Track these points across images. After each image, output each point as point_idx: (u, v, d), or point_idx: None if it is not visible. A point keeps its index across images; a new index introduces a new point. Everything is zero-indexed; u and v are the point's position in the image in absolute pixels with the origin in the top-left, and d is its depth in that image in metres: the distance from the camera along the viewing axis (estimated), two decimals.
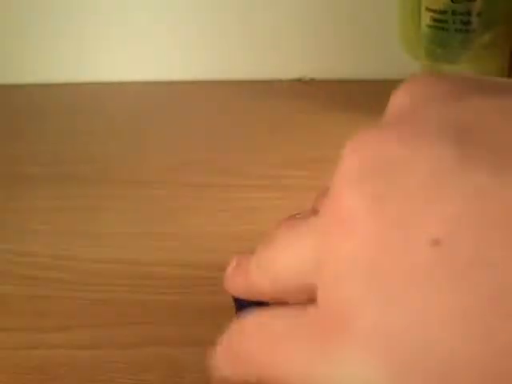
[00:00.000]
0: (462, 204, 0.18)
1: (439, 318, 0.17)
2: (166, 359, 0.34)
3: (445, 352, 0.17)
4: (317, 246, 0.22)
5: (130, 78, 0.71)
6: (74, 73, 0.72)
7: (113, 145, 0.60)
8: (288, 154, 0.56)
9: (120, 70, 0.71)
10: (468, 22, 0.56)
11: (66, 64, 0.72)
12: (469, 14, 0.56)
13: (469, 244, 0.17)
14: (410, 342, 0.18)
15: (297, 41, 0.70)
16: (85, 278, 0.41)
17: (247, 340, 0.23)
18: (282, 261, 0.24)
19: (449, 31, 0.57)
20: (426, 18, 0.58)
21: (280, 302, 0.23)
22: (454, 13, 0.56)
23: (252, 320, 0.24)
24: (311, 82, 0.70)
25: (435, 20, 0.57)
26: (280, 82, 0.70)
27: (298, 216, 0.27)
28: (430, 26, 0.58)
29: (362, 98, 0.66)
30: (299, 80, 0.70)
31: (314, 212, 0.25)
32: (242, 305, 0.27)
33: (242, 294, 0.27)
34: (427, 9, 0.57)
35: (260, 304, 0.25)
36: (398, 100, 0.25)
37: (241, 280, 0.27)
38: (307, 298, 0.21)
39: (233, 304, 0.28)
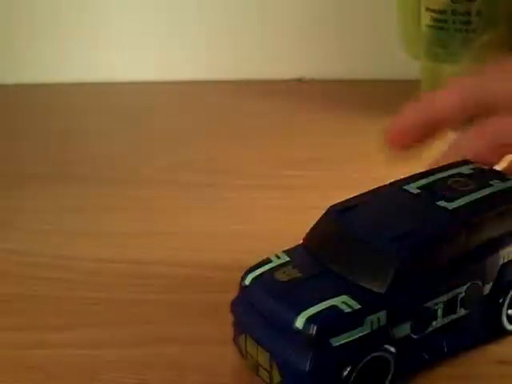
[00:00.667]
0: None
1: None
2: (166, 359, 0.34)
3: None
4: None
5: (129, 78, 0.71)
6: (74, 73, 0.72)
7: (113, 145, 0.60)
8: (288, 154, 0.56)
9: (120, 70, 0.72)
10: (468, 22, 0.56)
11: (67, 64, 0.72)
12: (468, 13, 0.56)
13: None
14: None
15: (297, 41, 0.70)
16: (85, 278, 0.41)
17: None
18: None
19: (448, 31, 0.57)
20: (426, 18, 0.58)
21: None
22: (453, 13, 0.56)
23: None
24: (311, 82, 0.70)
25: (435, 20, 0.57)
26: (280, 82, 0.70)
27: None
28: (429, 26, 0.58)
29: (362, 98, 0.66)
30: (299, 80, 0.70)
31: None
32: None
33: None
34: (427, 9, 0.57)
35: None
36: None
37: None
38: None
39: None
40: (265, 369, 0.31)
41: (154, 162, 0.56)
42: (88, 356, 0.35)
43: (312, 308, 0.30)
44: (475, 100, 0.36)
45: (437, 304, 0.32)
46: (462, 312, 0.33)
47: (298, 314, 0.30)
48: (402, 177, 0.36)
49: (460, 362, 0.33)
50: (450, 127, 0.38)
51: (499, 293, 0.34)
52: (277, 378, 0.30)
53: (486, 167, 0.36)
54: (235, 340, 0.33)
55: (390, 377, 0.31)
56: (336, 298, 0.30)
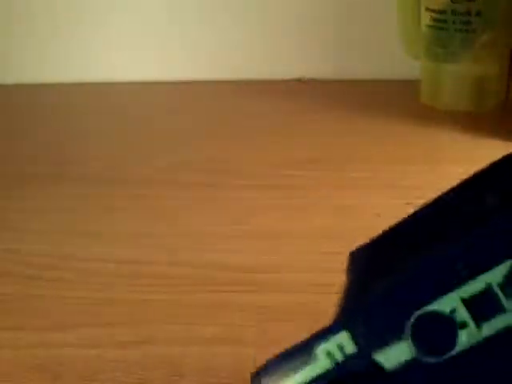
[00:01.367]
0: None
1: None
2: (166, 359, 0.34)
3: None
4: None
5: (129, 78, 0.71)
6: (74, 73, 0.72)
7: (113, 145, 0.60)
8: (288, 154, 0.56)
9: (120, 70, 0.72)
10: (468, 22, 0.56)
11: (67, 64, 0.72)
12: (468, 13, 0.56)
13: None
14: None
15: (297, 41, 0.70)
16: (85, 278, 0.41)
17: None
18: None
19: (448, 31, 0.57)
20: (426, 18, 0.58)
21: None
22: (453, 13, 0.56)
23: None
24: (311, 82, 0.70)
25: (435, 20, 0.57)
26: (280, 82, 0.70)
27: None
28: (429, 26, 0.58)
29: (362, 98, 0.66)
30: (299, 80, 0.70)
31: None
32: None
33: None
34: (427, 9, 0.57)
35: None
36: None
37: None
38: None
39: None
40: None
41: (154, 162, 0.56)
42: (88, 356, 0.35)
43: None
44: None
45: (450, 303, 0.24)
46: (510, 308, 0.24)
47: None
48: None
49: None
50: None
51: None
52: None
53: None
54: None
55: None
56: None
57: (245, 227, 0.46)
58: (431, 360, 0.24)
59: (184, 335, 0.36)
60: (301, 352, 0.25)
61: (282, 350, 0.26)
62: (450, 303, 0.24)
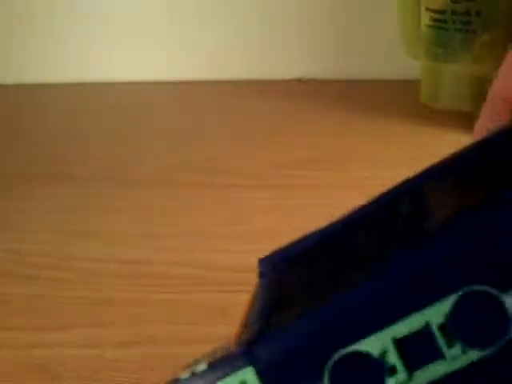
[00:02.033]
0: None
1: None
2: (166, 359, 0.34)
3: None
4: None
5: (129, 78, 0.71)
6: (74, 73, 0.72)
7: (113, 145, 0.60)
8: (288, 154, 0.56)
9: (120, 70, 0.72)
10: (467, 22, 0.56)
11: (67, 64, 0.72)
12: (468, 13, 0.55)
13: None
14: None
15: (297, 41, 0.70)
16: (85, 278, 0.41)
17: None
18: None
19: (448, 31, 0.57)
20: (426, 18, 0.58)
21: None
22: (453, 13, 0.56)
23: None
24: (311, 82, 0.70)
25: (435, 20, 0.57)
26: (280, 82, 0.70)
27: None
28: (429, 26, 0.58)
29: (362, 98, 0.66)
30: (299, 80, 0.70)
31: None
32: None
33: None
34: (427, 9, 0.57)
35: None
36: None
37: None
38: None
39: None
40: None
41: (154, 162, 0.56)
42: (88, 356, 0.35)
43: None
44: None
45: (379, 344, 0.21)
46: (451, 356, 0.20)
47: None
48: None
49: None
50: None
51: None
52: None
53: None
54: None
55: None
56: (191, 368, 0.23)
57: (244, 227, 0.46)
58: None
59: (184, 335, 0.36)
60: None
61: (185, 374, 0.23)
62: (379, 344, 0.20)
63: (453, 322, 0.20)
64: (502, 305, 0.20)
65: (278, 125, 0.62)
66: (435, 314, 0.20)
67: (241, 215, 0.47)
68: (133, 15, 0.71)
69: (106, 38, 0.71)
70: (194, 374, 0.22)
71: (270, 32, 0.70)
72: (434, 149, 0.55)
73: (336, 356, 0.20)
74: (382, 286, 0.20)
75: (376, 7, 0.68)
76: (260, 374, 0.21)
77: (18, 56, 0.73)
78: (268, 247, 0.43)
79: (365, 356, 0.20)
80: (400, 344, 0.20)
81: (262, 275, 0.23)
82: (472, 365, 0.20)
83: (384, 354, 0.20)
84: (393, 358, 0.20)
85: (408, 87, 0.64)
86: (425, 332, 0.20)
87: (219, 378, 0.21)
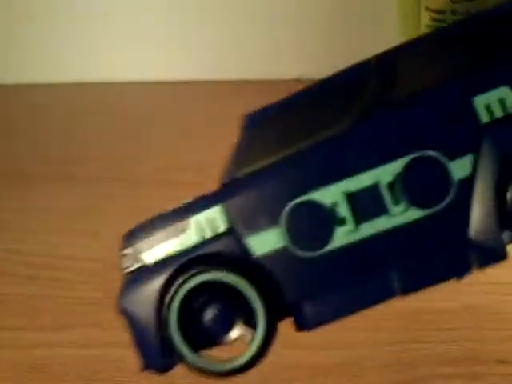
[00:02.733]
0: None
1: None
2: None
3: None
4: None
5: (129, 78, 0.71)
6: (74, 73, 0.72)
7: (113, 145, 0.60)
8: None
9: (120, 70, 0.72)
10: None
11: (66, 64, 0.72)
12: (468, 13, 0.56)
13: None
14: None
15: (296, 41, 0.70)
16: (84, 278, 0.41)
17: None
18: None
19: None
20: (426, 18, 0.58)
21: None
22: (453, 13, 0.56)
23: None
24: (309, 82, 0.70)
25: (434, 20, 0.57)
26: (279, 82, 0.70)
27: None
28: (429, 26, 0.58)
29: None
30: (297, 80, 0.70)
31: None
32: None
33: None
34: (426, 8, 0.57)
35: None
36: None
37: None
38: None
39: None
40: None
41: (154, 163, 0.56)
42: (88, 356, 0.35)
43: None
44: None
45: (332, 196, 0.22)
46: (396, 212, 0.22)
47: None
48: None
49: (460, 362, 0.33)
50: None
51: (494, 176, 0.22)
52: None
53: None
54: None
55: (259, 322, 0.23)
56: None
57: None
58: (302, 254, 0.23)
59: None
60: (176, 218, 0.25)
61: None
62: (332, 195, 0.22)
63: (401, 181, 0.22)
64: (447, 171, 0.22)
65: None
66: (385, 173, 0.22)
67: None
68: (133, 15, 0.71)
69: (106, 37, 0.71)
70: (172, 209, 0.26)
71: (270, 32, 0.70)
72: None
73: (292, 203, 0.22)
74: (338, 143, 0.22)
75: (375, 7, 0.68)
76: (226, 213, 0.23)
77: (18, 56, 0.72)
78: None
79: (318, 205, 0.22)
80: (351, 198, 0.22)
81: (244, 128, 0.26)
82: (413, 223, 0.22)
83: (335, 205, 0.22)
84: (343, 210, 0.22)
85: None
86: (374, 189, 0.22)
87: (191, 214, 0.24)
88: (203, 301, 0.23)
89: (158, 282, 0.24)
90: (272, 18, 0.70)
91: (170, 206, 0.49)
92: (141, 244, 0.25)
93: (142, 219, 0.48)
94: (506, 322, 0.35)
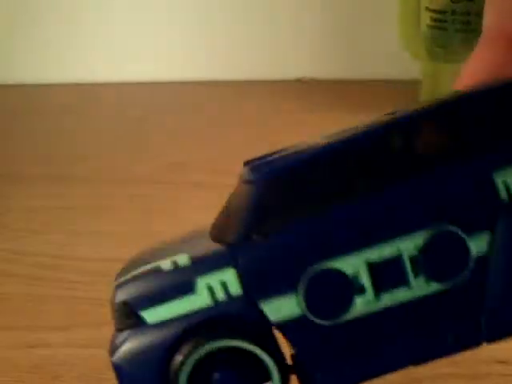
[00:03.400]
0: None
1: None
2: None
3: None
4: None
5: (129, 78, 0.71)
6: (74, 73, 0.72)
7: (113, 144, 0.60)
8: None
9: (120, 70, 0.71)
10: (468, 22, 0.56)
11: (66, 64, 0.72)
12: (468, 14, 0.55)
13: None
14: None
15: (297, 41, 0.70)
16: (85, 278, 0.41)
17: None
18: None
19: (448, 31, 0.57)
20: (426, 18, 0.58)
21: None
22: (453, 13, 0.56)
23: None
24: (311, 82, 0.70)
25: (435, 20, 0.57)
26: (280, 82, 0.70)
27: None
28: (429, 26, 0.58)
29: (362, 98, 0.66)
30: (299, 80, 0.70)
31: None
32: None
33: None
34: (427, 9, 0.57)
35: None
36: None
37: None
38: None
39: None
40: None
41: (154, 162, 0.56)
42: (88, 356, 0.35)
43: (128, 274, 0.24)
44: None
45: (354, 264, 0.22)
46: (415, 285, 0.22)
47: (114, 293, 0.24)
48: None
49: (460, 362, 0.33)
50: None
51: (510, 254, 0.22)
52: None
53: None
54: None
55: None
56: (168, 258, 0.23)
57: None
58: (318, 321, 0.22)
59: None
60: (182, 277, 0.22)
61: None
62: (354, 264, 0.22)
63: (421, 254, 0.22)
64: (466, 246, 0.22)
65: (278, 125, 0.62)
66: (408, 245, 0.22)
67: None
68: (133, 15, 0.71)
69: (106, 37, 0.71)
70: (175, 266, 0.23)
71: (270, 32, 0.70)
72: None
73: (312, 270, 0.22)
74: (362, 211, 0.22)
75: (376, 7, 0.68)
76: (240, 277, 0.22)
77: (18, 56, 0.72)
78: None
79: (340, 274, 0.22)
80: (372, 267, 0.22)
81: (251, 182, 0.23)
82: (431, 295, 0.22)
83: (356, 273, 0.22)
84: (364, 279, 0.22)
85: (408, 87, 0.64)
86: (396, 260, 0.22)
87: (200, 274, 0.22)
88: (214, 365, 0.22)
89: (162, 345, 0.22)
90: (272, 18, 0.70)
91: (170, 205, 0.49)
92: (136, 298, 0.23)
93: (141, 219, 0.48)
94: None
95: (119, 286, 0.23)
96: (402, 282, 0.22)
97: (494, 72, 0.26)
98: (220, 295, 0.22)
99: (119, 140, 0.61)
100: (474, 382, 0.32)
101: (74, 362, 0.35)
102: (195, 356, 0.22)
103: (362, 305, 0.22)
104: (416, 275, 0.22)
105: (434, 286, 0.22)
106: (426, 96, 0.62)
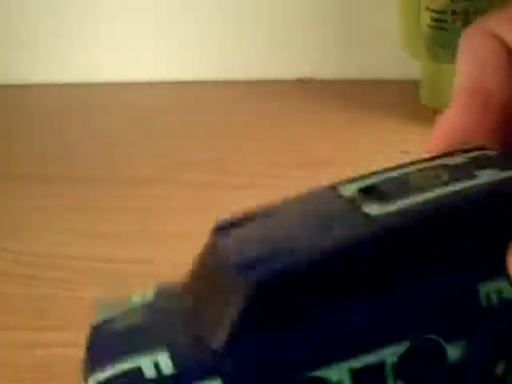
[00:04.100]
0: None
1: None
2: None
3: None
4: None
5: (129, 78, 0.71)
6: (74, 73, 0.72)
7: (113, 145, 0.60)
8: (288, 154, 0.56)
9: (120, 70, 0.71)
10: (468, 22, 0.56)
11: (67, 64, 0.72)
12: (468, 13, 0.55)
13: None
14: None
15: (297, 41, 0.70)
16: (84, 278, 0.41)
17: None
18: None
19: (449, 31, 0.57)
20: (426, 18, 0.58)
21: None
22: (453, 13, 0.56)
23: None
24: (311, 82, 0.70)
25: (435, 20, 0.57)
26: (280, 82, 0.70)
27: None
28: (430, 26, 0.58)
29: (362, 98, 0.66)
30: (300, 80, 0.70)
31: None
32: None
33: None
34: (427, 8, 0.57)
35: None
36: None
37: None
38: None
39: None
40: None
41: (154, 162, 0.56)
42: None
43: (104, 370, 0.23)
44: None
45: (339, 373, 0.22)
46: None
47: (87, 378, 0.23)
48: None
49: None
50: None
51: (486, 359, 0.23)
52: None
53: (496, 152, 0.25)
54: None
55: None
56: (148, 356, 0.22)
57: None
58: None
59: None
60: None
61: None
62: (339, 372, 0.22)
63: (402, 361, 0.22)
64: (444, 353, 0.22)
65: (279, 125, 0.62)
66: (391, 353, 0.22)
67: None
68: (133, 15, 0.71)
69: (106, 38, 0.71)
70: (159, 373, 0.21)
71: (271, 32, 0.70)
72: None
73: (299, 378, 0.21)
74: (350, 324, 0.22)
75: (377, 7, 0.68)
76: None
77: (19, 56, 0.72)
78: None
79: (324, 382, 0.22)
80: (355, 374, 0.22)
81: (243, 283, 0.22)
82: None
83: (341, 381, 0.22)
84: None
85: (409, 87, 0.64)
86: (379, 367, 0.22)
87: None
88: None
89: None
90: (273, 18, 0.70)
91: (170, 205, 0.49)
92: None
93: (142, 219, 0.48)
94: None
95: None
96: None
97: (466, 135, 0.26)
98: None
99: (119, 140, 0.61)
100: None
101: (74, 362, 0.35)
102: None
103: None
104: (395, 381, 0.22)
105: None
106: (426, 96, 0.62)
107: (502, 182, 0.24)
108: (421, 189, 0.23)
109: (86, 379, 0.24)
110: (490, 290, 0.23)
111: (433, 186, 0.23)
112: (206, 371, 0.21)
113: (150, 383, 0.21)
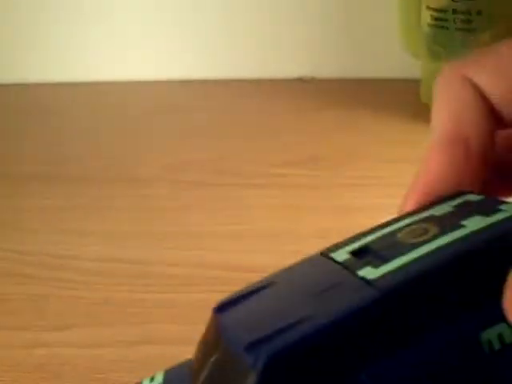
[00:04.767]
0: None
1: None
2: (166, 359, 0.34)
3: None
4: None
5: (129, 77, 0.71)
6: (74, 73, 0.72)
7: (113, 144, 0.60)
8: (288, 154, 0.56)
9: (120, 70, 0.72)
10: (468, 21, 0.56)
11: (67, 64, 0.72)
12: (469, 12, 0.55)
13: None
14: None
15: (297, 40, 0.70)
16: (85, 278, 0.41)
17: None
18: None
19: (449, 30, 0.57)
20: (427, 17, 0.58)
21: None
22: (454, 11, 0.56)
23: None
24: (312, 81, 0.70)
25: (436, 19, 0.57)
26: (281, 81, 0.70)
27: None
28: (430, 25, 0.58)
29: (363, 97, 0.66)
30: (300, 79, 0.70)
31: None
32: None
33: None
34: (427, 7, 0.57)
35: None
36: None
37: None
38: None
39: None
40: None
41: (154, 162, 0.56)
42: (88, 356, 0.35)
43: None
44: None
45: None
46: None
47: None
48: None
49: None
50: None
51: None
52: None
53: (481, 196, 0.25)
54: None
55: None
56: None
57: (245, 227, 0.46)
58: None
59: (184, 335, 0.36)
60: None
61: None
62: None
63: None
64: None
65: (279, 124, 0.62)
66: None
67: (241, 215, 0.47)
68: (133, 15, 0.71)
69: (106, 37, 0.71)
70: None
71: (271, 32, 0.70)
72: None
73: None
74: None
75: (377, 6, 0.68)
76: None
77: (19, 56, 0.72)
78: (267, 247, 0.43)
79: None
80: None
81: (251, 368, 0.21)
82: None
83: None
84: None
85: (409, 86, 0.64)
86: None
87: None
88: None
89: None
90: (273, 17, 0.70)
91: (170, 205, 0.49)
92: None
93: (142, 219, 0.48)
94: None
95: None
96: None
97: (450, 186, 0.26)
98: None
99: (119, 140, 0.61)
100: None
101: (74, 362, 0.35)
102: None
103: None
104: None
105: None
106: (426, 95, 0.62)
107: (489, 227, 0.23)
108: (411, 245, 0.23)
109: None
110: (491, 336, 0.22)
111: (423, 242, 0.23)
112: None
113: None
